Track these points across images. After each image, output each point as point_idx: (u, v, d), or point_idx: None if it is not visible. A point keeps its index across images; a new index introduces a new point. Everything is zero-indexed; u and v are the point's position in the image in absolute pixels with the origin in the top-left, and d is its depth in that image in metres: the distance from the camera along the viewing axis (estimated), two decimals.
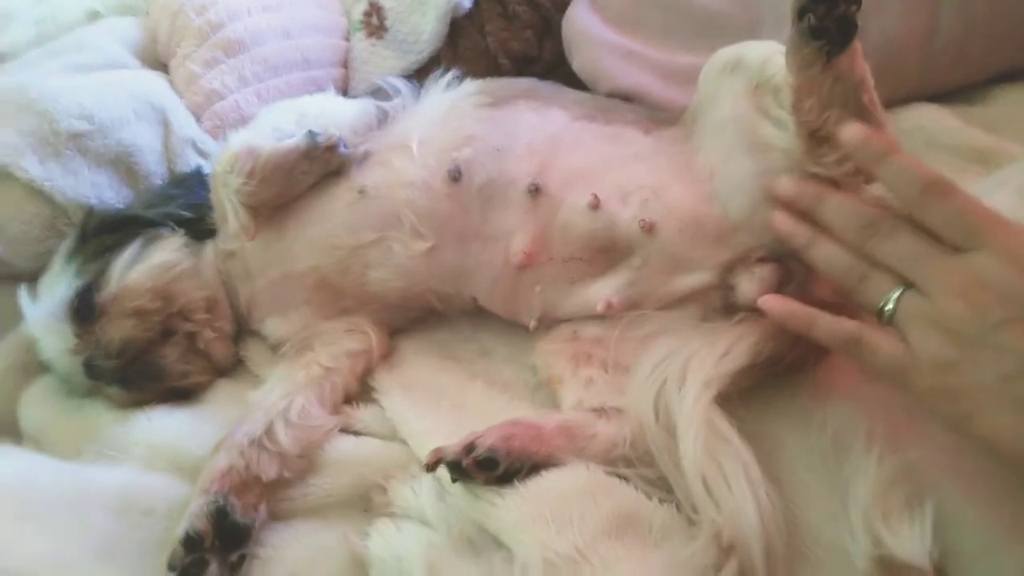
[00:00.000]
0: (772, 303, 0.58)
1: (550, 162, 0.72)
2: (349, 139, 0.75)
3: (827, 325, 0.55)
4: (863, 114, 0.60)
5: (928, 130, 0.81)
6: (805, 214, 0.59)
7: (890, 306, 0.52)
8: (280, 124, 0.76)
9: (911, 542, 0.50)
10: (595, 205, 0.69)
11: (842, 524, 0.53)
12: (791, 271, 0.65)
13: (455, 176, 0.73)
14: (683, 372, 0.59)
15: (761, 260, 0.66)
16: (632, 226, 0.68)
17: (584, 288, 0.71)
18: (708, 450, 0.55)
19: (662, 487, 0.57)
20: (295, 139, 0.73)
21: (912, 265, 0.52)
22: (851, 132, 0.55)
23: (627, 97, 0.88)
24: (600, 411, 0.63)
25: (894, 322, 0.52)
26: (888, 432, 0.57)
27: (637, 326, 0.68)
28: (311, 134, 0.73)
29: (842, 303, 0.59)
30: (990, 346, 0.48)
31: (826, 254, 0.57)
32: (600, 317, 0.70)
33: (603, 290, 0.70)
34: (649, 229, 0.68)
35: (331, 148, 0.73)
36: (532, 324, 0.73)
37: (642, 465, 0.58)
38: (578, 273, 0.71)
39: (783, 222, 0.60)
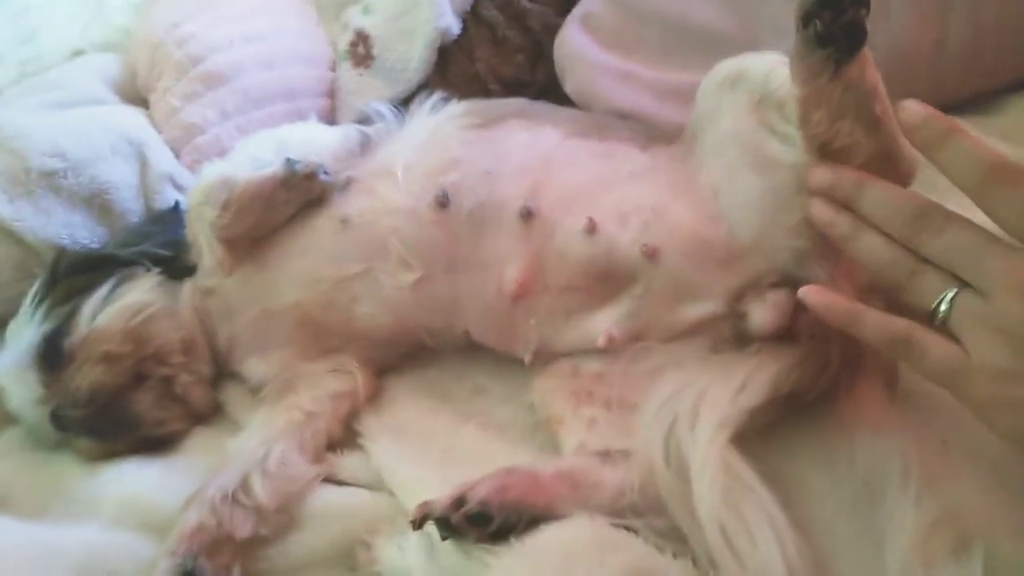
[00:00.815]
0: (814, 294, 0.52)
1: (542, 183, 0.67)
2: (331, 166, 0.71)
3: (874, 322, 0.50)
4: (876, 125, 0.55)
5: None
6: (844, 206, 0.54)
7: (944, 307, 0.47)
8: (258, 153, 0.72)
9: None
10: (591, 229, 0.64)
11: (878, 574, 0.48)
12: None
13: (443, 202, 0.68)
14: (695, 410, 0.54)
15: (774, 285, 0.61)
16: (632, 251, 0.63)
17: (583, 320, 0.66)
18: (727, 497, 0.49)
19: (676, 539, 0.51)
20: (272, 167, 0.69)
21: (968, 261, 0.46)
22: (913, 110, 0.49)
23: (623, 117, 0.85)
24: (605, 455, 0.58)
25: (948, 324, 0.47)
26: (925, 469, 0.52)
27: (642, 360, 0.63)
28: (289, 162, 0.69)
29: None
30: None
31: (870, 247, 0.51)
32: (601, 351, 0.65)
33: (603, 322, 0.65)
34: (651, 254, 0.63)
35: (310, 176, 0.69)
36: (528, 358, 0.68)
37: (653, 515, 0.53)
38: (576, 304, 0.66)
39: (822, 211, 0.55)
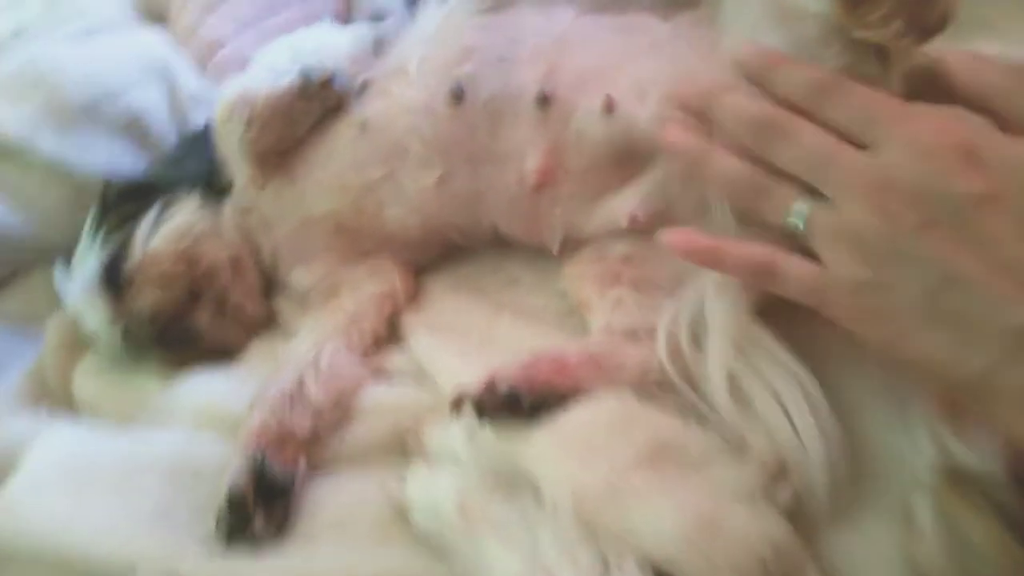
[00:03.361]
0: (673, 240, 0.51)
1: (558, 65, 0.65)
2: (348, 70, 0.70)
3: (735, 255, 0.48)
4: None
5: None
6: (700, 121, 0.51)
7: (793, 219, 0.45)
8: (275, 63, 0.71)
9: (984, 449, 0.43)
10: (610, 107, 0.62)
11: (902, 432, 0.47)
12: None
13: (458, 95, 0.67)
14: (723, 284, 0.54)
15: None
16: (651, 127, 0.61)
17: (606, 202, 0.65)
18: (754, 368, 0.50)
19: (701, 411, 0.53)
20: (288, 79, 0.69)
21: (815, 169, 0.44)
22: (735, 54, 0.50)
23: None
24: (630, 334, 0.58)
25: (804, 240, 0.45)
26: None
27: None
28: (304, 71, 0.69)
29: None
30: (906, 258, 0.41)
31: (721, 169, 0.49)
32: (627, 232, 0.64)
33: (626, 203, 0.64)
34: None
35: (326, 83, 0.69)
36: (555, 247, 0.68)
37: (677, 391, 0.54)
38: (598, 187, 0.65)
39: (672, 137, 0.52)
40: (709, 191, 0.53)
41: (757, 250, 0.48)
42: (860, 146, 0.44)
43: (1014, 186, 0.41)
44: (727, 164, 0.49)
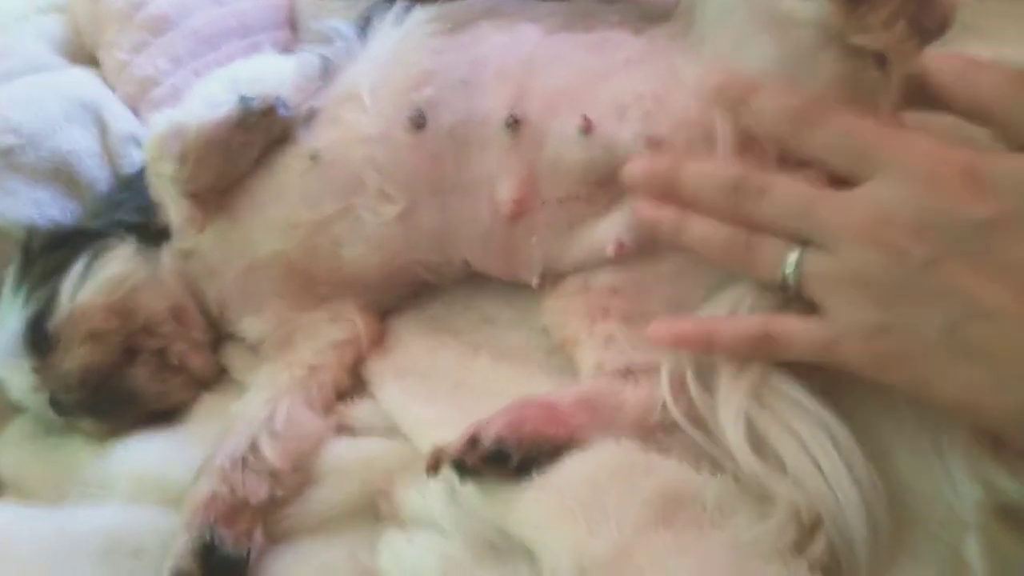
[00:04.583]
0: (658, 332, 0.49)
1: (527, 87, 0.60)
2: (290, 98, 0.64)
3: (728, 332, 0.46)
4: None
5: None
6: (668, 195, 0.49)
7: (790, 272, 0.42)
8: (210, 94, 0.65)
9: None
10: (587, 128, 0.58)
11: (940, 471, 0.43)
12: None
13: (418, 122, 0.62)
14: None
15: (801, 164, 0.54)
16: (635, 147, 0.57)
17: (588, 231, 0.60)
18: (773, 412, 0.45)
19: (713, 456, 0.47)
20: (225, 108, 0.62)
21: (800, 220, 0.42)
22: (706, 81, 0.48)
23: (610, 1, 0.76)
24: (626, 373, 0.53)
25: (803, 293, 0.42)
26: None
27: (658, 266, 0.57)
28: (243, 99, 0.62)
29: None
30: (922, 295, 0.38)
31: (701, 234, 0.47)
32: (612, 262, 0.59)
33: (611, 229, 0.59)
34: (656, 146, 0.57)
35: (268, 111, 0.63)
36: (535, 281, 0.63)
37: (683, 433, 0.48)
38: (578, 214, 0.60)
39: (643, 210, 0.51)
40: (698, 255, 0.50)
41: (749, 322, 0.45)
42: (849, 180, 0.41)
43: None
44: (706, 228, 0.47)
